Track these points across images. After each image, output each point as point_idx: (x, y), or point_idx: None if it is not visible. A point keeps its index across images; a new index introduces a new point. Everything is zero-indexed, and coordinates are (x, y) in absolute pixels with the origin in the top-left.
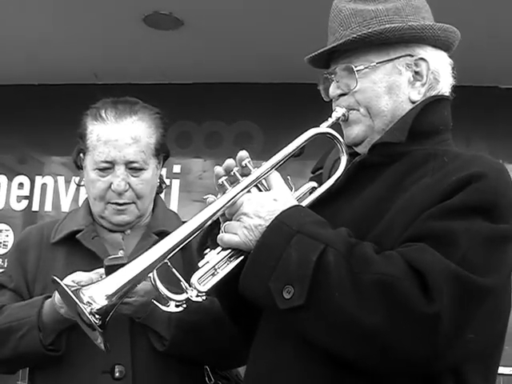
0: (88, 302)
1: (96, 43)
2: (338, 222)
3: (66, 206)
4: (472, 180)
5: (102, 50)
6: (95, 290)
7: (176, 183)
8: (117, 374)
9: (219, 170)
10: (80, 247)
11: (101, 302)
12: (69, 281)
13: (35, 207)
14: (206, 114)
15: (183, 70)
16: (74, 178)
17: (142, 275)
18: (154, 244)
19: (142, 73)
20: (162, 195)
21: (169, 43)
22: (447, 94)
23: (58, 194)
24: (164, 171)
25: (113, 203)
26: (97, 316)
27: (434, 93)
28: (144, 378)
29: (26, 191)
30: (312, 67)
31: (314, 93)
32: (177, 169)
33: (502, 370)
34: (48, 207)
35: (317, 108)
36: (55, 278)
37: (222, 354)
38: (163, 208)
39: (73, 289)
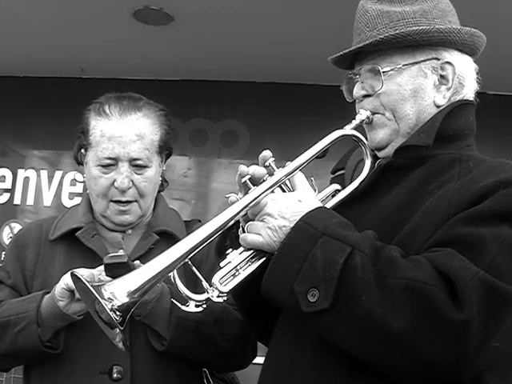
0: (109, 298)
1: (84, 37)
2: (363, 224)
3: (47, 200)
4: (500, 186)
5: (90, 44)
6: (117, 287)
7: (168, 182)
8: (115, 375)
9: (244, 169)
10: (79, 245)
11: (122, 298)
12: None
13: (17, 201)
14: (192, 112)
15: (171, 66)
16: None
17: (164, 273)
18: (161, 247)
19: (129, 68)
20: None
21: (158, 39)
22: (471, 98)
23: (40, 188)
24: None
25: (115, 201)
26: (118, 313)
27: (458, 97)
28: (142, 378)
29: (7, 184)
30: (301, 67)
31: (300, 93)
32: None
33: None
34: (30, 201)
35: (304, 107)
36: (75, 272)
37: (221, 355)
38: (164, 207)
39: (95, 284)
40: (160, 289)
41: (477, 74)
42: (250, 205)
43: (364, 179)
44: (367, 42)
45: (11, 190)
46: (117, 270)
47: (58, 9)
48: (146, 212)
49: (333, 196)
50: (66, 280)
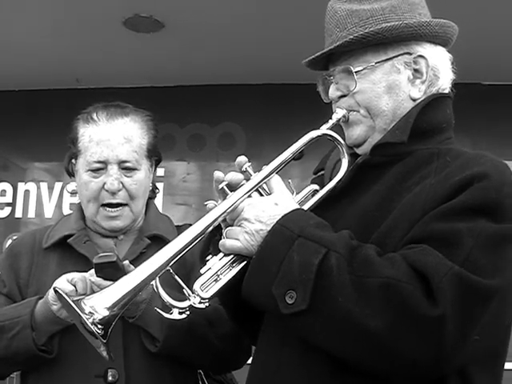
0: (90, 313)
1: (77, 48)
2: (342, 224)
3: (49, 212)
4: (474, 180)
5: (82, 55)
6: (97, 300)
7: (160, 186)
8: (110, 378)
9: (219, 175)
10: (72, 252)
11: (102, 312)
12: (64, 281)
13: (18, 214)
14: (189, 117)
15: (165, 72)
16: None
17: (144, 284)
18: (152, 251)
19: (123, 76)
20: None
21: (150, 46)
22: (447, 90)
23: (40, 200)
24: None
25: (106, 205)
26: (99, 326)
27: (434, 89)
28: (137, 381)
29: (8, 198)
30: (296, 68)
31: (298, 93)
32: (160, 172)
33: (508, 365)
34: (31, 214)
35: (301, 108)
36: (57, 288)
37: (215, 355)
38: (155, 212)
39: (74, 299)
40: (151, 289)
41: (452, 63)
42: (228, 211)
43: (341, 178)
44: (338, 43)
45: (12, 204)
46: (107, 270)
47: (48, 20)
48: (137, 216)
49: (312, 196)
50: (58, 284)
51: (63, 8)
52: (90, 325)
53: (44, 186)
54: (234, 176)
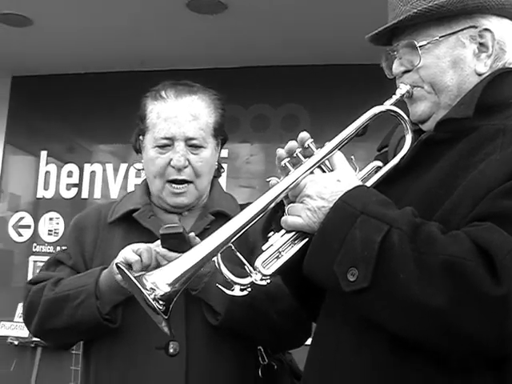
0: (151, 289)
1: (141, 30)
2: (405, 200)
3: (114, 193)
4: None
5: (147, 37)
6: (158, 276)
7: (224, 167)
8: (171, 351)
9: (281, 152)
10: (137, 226)
11: (164, 288)
12: (129, 251)
13: (84, 195)
14: (253, 98)
15: (228, 54)
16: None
17: (205, 260)
18: (216, 227)
19: (187, 58)
20: None
21: (213, 27)
22: None
23: (106, 181)
24: None
25: (171, 181)
26: (160, 302)
27: (500, 64)
28: (198, 355)
29: (74, 179)
30: (360, 49)
31: (360, 74)
32: (224, 153)
33: None
34: (97, 194)
35: (364, 88)
36: (119, 264)
37: (275, 331)
38: (220, 190)
39: (136, 275)
40: (214, 264)
41: None
42: (290, 187)
43: (405, 155)
44: (401, 17)
45: (78, 185)
46: (172, 241)
47: (113, 4)
48: (202, 193)
49: (375, 173)
50: (124, 254)
51: None
52: (151, 301)
53: (110, 167)
54: (291, 143)
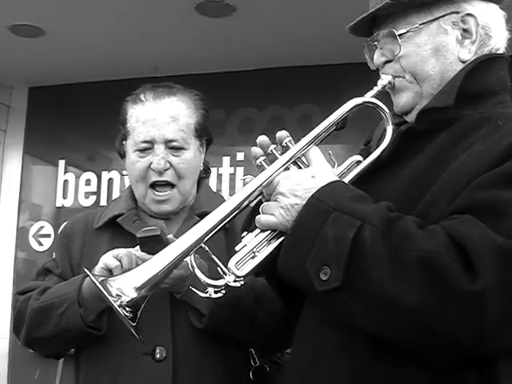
0: (117, 295)
1: (152, 36)
2: (385, 195)
3: None
4: None
5: (158, 43)
6: (124, 282)
7: (240, 171)
8: (157, 356)
9: (256, 150)
10: (122, 231)
11: (130, 294)
12: (110, 257)
13: (103, 202)
14: (267, 100)
15: (240, 56)
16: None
17: (175, 263)
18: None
19: (199, 62)
20: (227, 184)
21: (223, 30)
22: (502, 49)
23: (124, 188)
24: (228, 159)
25: (153, 185)
26: (127, 309)
27: (486, 50)
28: (185, 359)
29: (93, 187)
30: None
31: (375, 72)
32: (240, 156)
33: None
34: None
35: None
36: (85, 269)
37: (262, 332)
38: (207, 191)
39: (100, 279)
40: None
41: (506, 21)
42: (263, 185)
43: (385, 148)
44: (379, 5)
45: (97, 193)
46: (151, 244)
47: (124, 12)
48: (186, 197)
49: (355, 168)
50: (104, 259)
51: None
52: (117, 308)
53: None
54: (260, 138)
